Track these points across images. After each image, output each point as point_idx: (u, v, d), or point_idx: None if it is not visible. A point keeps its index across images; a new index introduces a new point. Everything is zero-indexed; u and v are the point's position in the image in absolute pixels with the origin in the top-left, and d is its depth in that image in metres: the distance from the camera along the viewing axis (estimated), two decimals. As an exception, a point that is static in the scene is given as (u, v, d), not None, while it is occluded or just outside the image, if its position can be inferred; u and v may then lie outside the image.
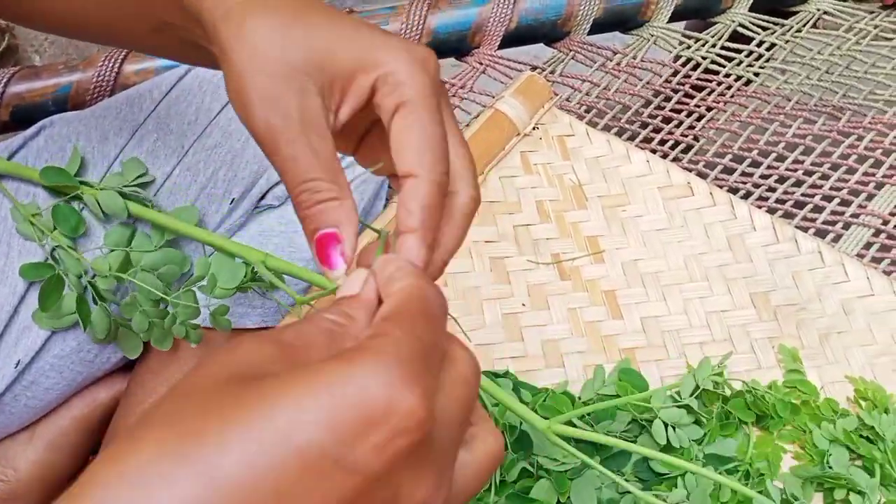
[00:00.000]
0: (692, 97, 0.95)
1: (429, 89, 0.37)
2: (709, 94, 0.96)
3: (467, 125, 0.91)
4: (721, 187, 0.84)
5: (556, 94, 0.94)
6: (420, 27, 0.94)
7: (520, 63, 0.95)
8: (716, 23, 1.03)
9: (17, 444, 0.71)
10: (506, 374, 0.67)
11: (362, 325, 0.31)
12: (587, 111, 0.93)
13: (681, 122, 0.93)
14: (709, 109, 0.95)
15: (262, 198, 0.68)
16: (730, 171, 0.89)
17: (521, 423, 0.62)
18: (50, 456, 0.71)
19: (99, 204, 0.61)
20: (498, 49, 0.96)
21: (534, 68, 0.95)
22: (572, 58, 0.97)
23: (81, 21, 0.51)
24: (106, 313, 0.62)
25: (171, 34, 0.46)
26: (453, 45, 0.97)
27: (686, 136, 0.92)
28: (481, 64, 0.95)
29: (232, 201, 0.66)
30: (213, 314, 0.61)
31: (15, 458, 0.71)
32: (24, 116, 0.91)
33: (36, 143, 0.69)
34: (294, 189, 0.37)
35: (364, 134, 0.43)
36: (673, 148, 0.92)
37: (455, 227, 0.39)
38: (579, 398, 0.65)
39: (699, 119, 0.94)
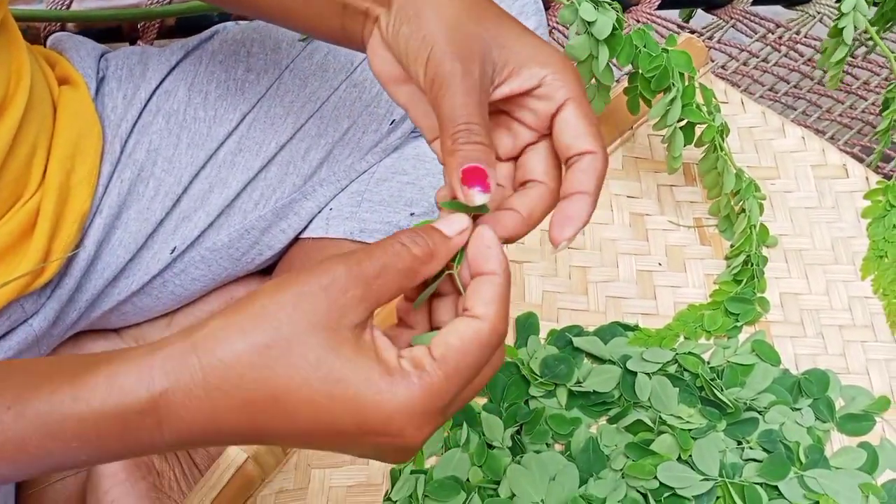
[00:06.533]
0: (857, 78, 0.91)
1: (585, 92, 0.45)
2: (871, 77, 0.92)
3: (617, 81, 0.91)
4: (877, 173, 0.81)
5: (713, 61, 0.92)
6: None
7: (677, 24, 0.93)
8: (888, 6, 0.98)
9: (155, 328, 0.75)
10: (635, 328, 0.67)
11: (437, 263, 0.38)
12: (742, 80, 0.91)
13: (841, 104, 0.90)
14: (869, 92, 0.91)
15: None
16: (888, 159, 0.86)
17: (625, 364, 0.63)
18: (185, 344, 0.75)
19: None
20: (657, 9, 0.94)
21: (692, 31, 0.93)
22: (732, 26, 0.95)
23: None
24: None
25: None
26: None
27: (843, 117, 0.89)
28: (638, 21, 0.94)
29: (392, 122, 0.67)
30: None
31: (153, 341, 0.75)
32: (189, 24, 0.94)
33: (211, 45, 0.71)
34: (455, 126, 0.41)
35: None
36: (829, 128, 0.89)
37: None
38: (708, 363, 0.65)
39: (862, 101, 0.91)
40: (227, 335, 0.34)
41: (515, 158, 0.45)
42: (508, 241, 0.42)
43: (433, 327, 0.42)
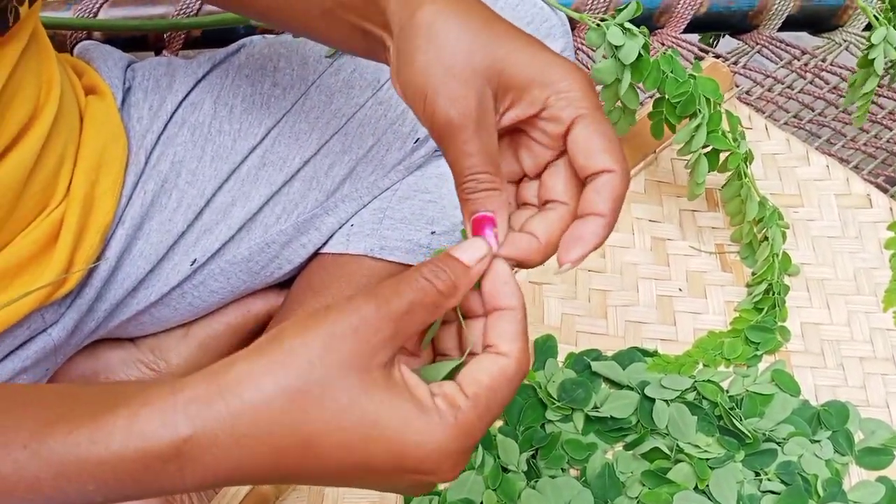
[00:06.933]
0: (882, 108, 0.91)
1: (598, 104, 0.42)
2: (898, 108, 0.92)
3: (641, 104, 0.90)
4: (902, 205, 0.80)
5: (737, 86, 0.91)
6: (606, 1, 0.93)
7: (702, 48, 0.93)
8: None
9: (172, 338, 0.75)
10: (654, 354, 0.66)
11: (459, 295, 0.37)
12: (767, 106, 0.91)
13: (866, 133, 0.89)
14: (894, 122, 0.90)
15: None
16: (912, 190, 0.85)
17: (643, 390, 0.62)
18: (200, 355, 0.75)
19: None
20: (682, 32, 0.94)
21: (717, 56, 0.93)
22: (758, 52, 0.94)
23: None
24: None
25: (341, 17, 0.49)
26: (636, 23, 0.95)
27: (868, 146, 0.88)
28: (663, 45, 0.94)
29: (416, 141, 0.67)
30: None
31: (168, 351, 0.75)
32: (215, 36, 0.95)
33: (237, 58, 0.71)
34: (462, 177, 0.41)
35: None
36: (854, 157, 0.88)
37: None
38: (727, 391, 0.64)
39: (887, 131, 0.90)
40: (255, 379, 0.33)
41: (541, 174, 0.44)
42: (523, 265, 0.41)
43: (437, 354, 0.41)
